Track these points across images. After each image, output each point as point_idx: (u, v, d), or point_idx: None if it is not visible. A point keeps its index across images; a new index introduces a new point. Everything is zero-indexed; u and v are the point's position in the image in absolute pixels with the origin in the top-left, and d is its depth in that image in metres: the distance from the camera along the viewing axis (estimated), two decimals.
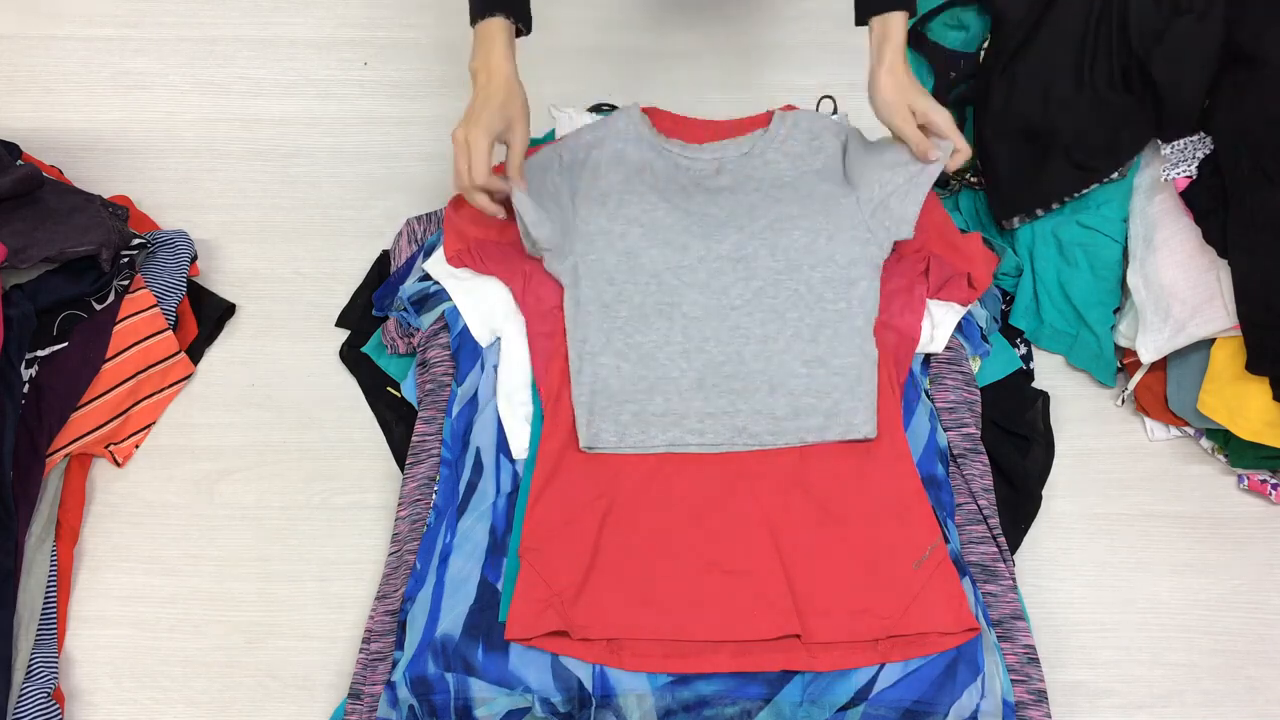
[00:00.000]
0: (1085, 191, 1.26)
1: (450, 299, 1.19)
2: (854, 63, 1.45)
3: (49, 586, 1.12)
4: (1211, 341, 1.17)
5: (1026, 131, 1.25)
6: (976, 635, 0.98)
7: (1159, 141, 1.23)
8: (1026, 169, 1.26)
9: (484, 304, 1.17)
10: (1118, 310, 1.27)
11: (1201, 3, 1.18)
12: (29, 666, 1.07)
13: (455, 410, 1.14)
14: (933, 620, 0.98)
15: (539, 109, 1.42)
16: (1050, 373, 1.28)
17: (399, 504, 1.15)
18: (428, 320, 1.20)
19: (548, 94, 1.41)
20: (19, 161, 1.26)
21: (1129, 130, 1.23)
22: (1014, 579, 1.09)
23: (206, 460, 1.23)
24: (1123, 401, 1.25)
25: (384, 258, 1.35)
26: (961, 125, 1.39)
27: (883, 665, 0.97)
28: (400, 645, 1.03)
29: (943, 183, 1.37)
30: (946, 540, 1.04)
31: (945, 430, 1.15)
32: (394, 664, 1.03)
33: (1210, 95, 1.19)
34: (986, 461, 1.15)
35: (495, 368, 1.14)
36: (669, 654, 0.98)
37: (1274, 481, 1.19)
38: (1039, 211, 1.27)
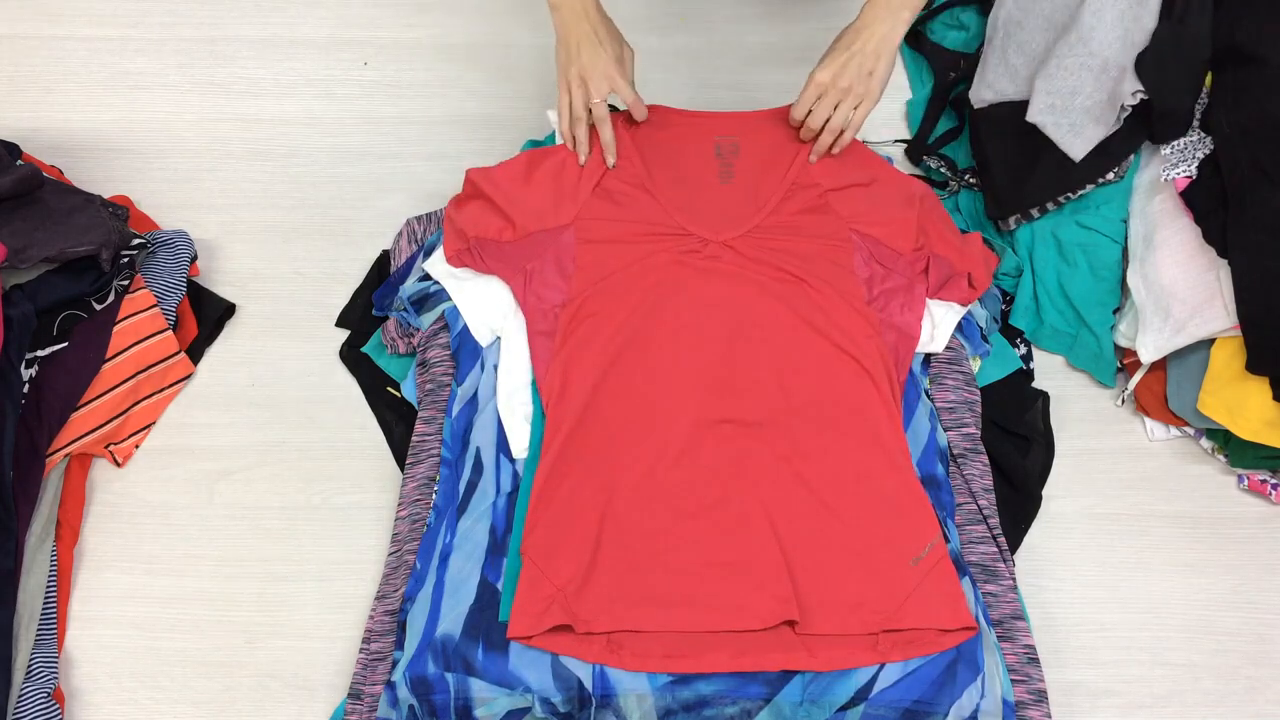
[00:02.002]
0: (1082, 192, 1.26)
1: (450, 299, 1.19)
2: None
3: (49, 586, 1.12)
4: (1211, 341, 1.17)
5: (1019, 132, 1.25)
6: (976, 635, 0.98)
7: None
8: (1019, 170, 1.27)
9: (484, 304, 1.17)
10: (1118, 310, 1.27)
11: (1180, 8, 1.18)
12: (29, 666, 1.07)
13: (455, 410, 1.14)
14: (930, 617, 0.98)
15: (538, 110, 1.43)
16: (1050, 373, 1.28)
17: (399, 504, 1.15)
18: (428, 320, 1.20)
19: (546, 95, 1.41)
20: (19, 161, 1.26)
21: (1119, 133, 1.22)
22: (1014, 579, 1.09)
23: (206, 460, 1.23)
24: (1123, 401, 1.25)
25: (384, 258, 1.35)
26: (960, 125, 1.40)
27: (883, 665, 0.97)
28: (400, 645, 1.03)
29: (942, 183, 1.37)
30: (946, 539, 1.04)
31: (945, 430, 1.15)
32: (394, 664, 1.03)
33: (1210, 95, 1.19)
34: (986, 461, 1.15)
35: (495, 367, 1.14)
36: (669, 653, 0.98)
37: (1274, 481, 1.19)
38: (1034, 212, 1.27)
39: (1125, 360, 1.27)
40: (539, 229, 1.17)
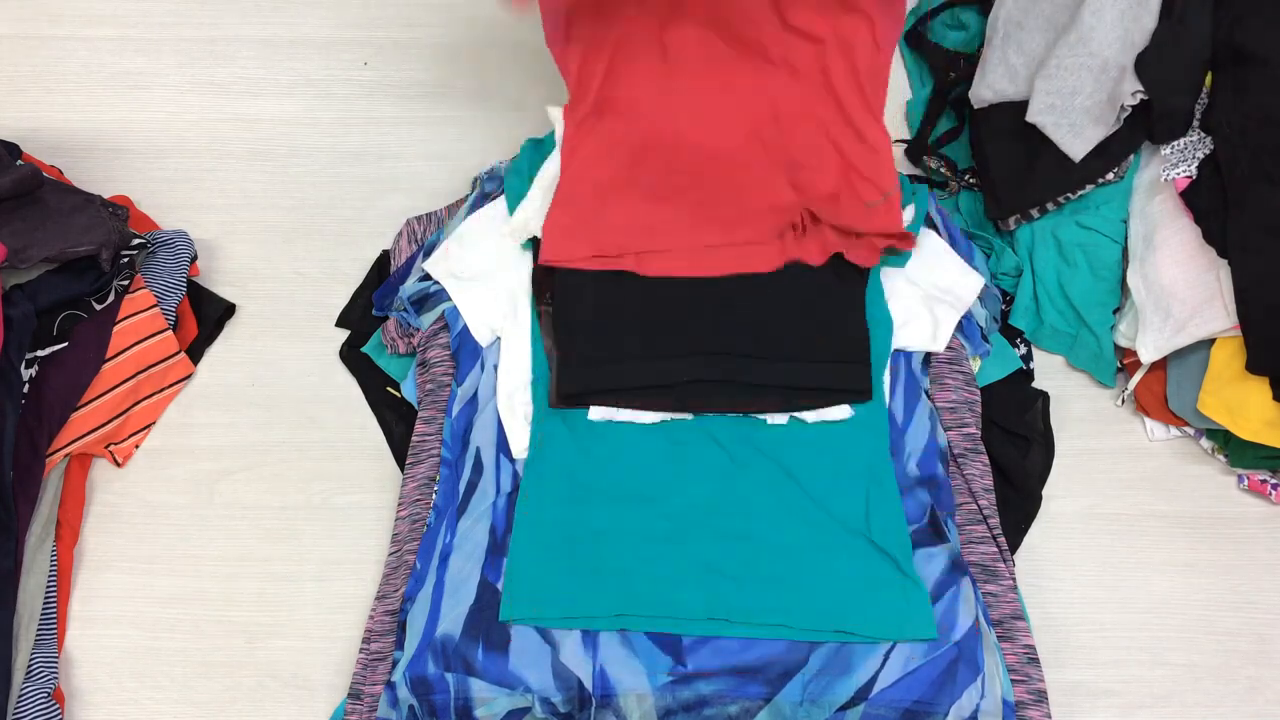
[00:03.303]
0: (1082, 192, 1.26)
1: (450, 299, 1.19)
2: None
3: (49, 586, 1.12)
4: (1211, 341, 1.17)
5: (1019, 132, 1.25)
6: (977, 635, 0.98)
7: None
8: (1019, 170, 1.27)
9: (484, 304, 1.17)
10: (1118, 310, 1.27)
11: (1180, 7, 1.18)
12: (29, 666, 1.07)
13: (455, 410, 1.14)
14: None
15: (538, 109, 1.42)
16: (1050, 373, 1.28)
17: (399, 504, 1.15)
18: (428, 320, 1.20)
19: (545, 94, 1.41)
20: (19, 161, 1.26)
21: (1119, 133, 1.23)
22: (1014, 579, 1.09)
23: (206, 460, 1.23)
24: (1123, 401, 1.25)
25: (384, 258, 1.35)
26: (960, 125, 1.39)
27: (883, 666, 0.97)
28: (400, 645, 1.03)
29: (942, 184, 1.37)
30: (946, 519, 1.06)
31: (945, 430, 1.15)
32: (394, 664, 1.03)
33: (1210, 95, 1.19)
34: (987, 461, 1.15)
35: (495, 367, 1.14)
36: (690, 261, 1.13)
37: (1274, 481, 1.19)
38: (1034, 213, 1.27)
39: (1125, 360, 1.27)
40: None
